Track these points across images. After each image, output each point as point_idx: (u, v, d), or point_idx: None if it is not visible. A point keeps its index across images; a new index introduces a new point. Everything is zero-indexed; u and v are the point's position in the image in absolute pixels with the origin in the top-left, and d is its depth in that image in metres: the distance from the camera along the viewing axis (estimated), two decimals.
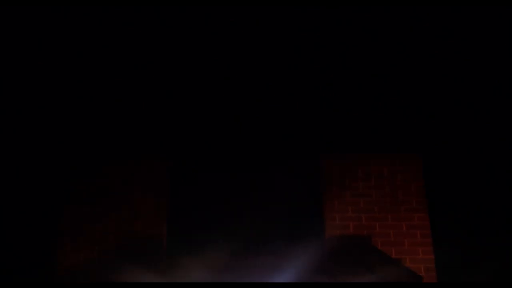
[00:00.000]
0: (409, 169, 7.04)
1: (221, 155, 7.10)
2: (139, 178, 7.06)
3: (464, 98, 7.15)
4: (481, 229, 7.38)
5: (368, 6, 6.47)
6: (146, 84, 6.90)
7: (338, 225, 6.83)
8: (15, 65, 6.81)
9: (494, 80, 7.24)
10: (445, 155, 7.31)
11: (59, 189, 7.05)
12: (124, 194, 7.01)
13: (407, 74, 7.25)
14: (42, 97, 6.94)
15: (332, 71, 6.98)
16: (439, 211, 7.04)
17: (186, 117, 6.98)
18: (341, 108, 7.17)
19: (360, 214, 6.89)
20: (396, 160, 7.08)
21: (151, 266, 6.00)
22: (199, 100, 6.94)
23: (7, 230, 7.15)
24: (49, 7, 6.30)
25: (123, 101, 6.93)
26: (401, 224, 6.85)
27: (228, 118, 6.92)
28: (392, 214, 6.89)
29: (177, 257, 6.36)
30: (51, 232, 6.98)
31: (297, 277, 5.57)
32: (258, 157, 7.06)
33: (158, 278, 5.91)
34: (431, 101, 7.24)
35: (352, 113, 7.18)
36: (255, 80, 6.85)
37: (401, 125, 7.03)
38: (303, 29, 6.68)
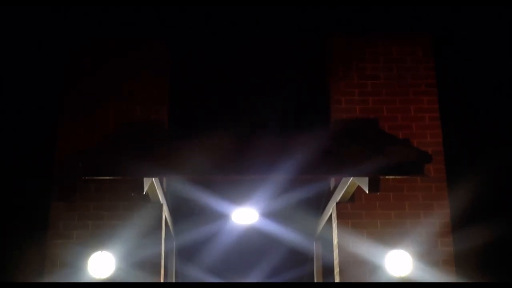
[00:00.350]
0: (418, 50, 6.76)
1: (224, 35, 6.79)
2: (139, 60, 6.79)
3: None
4: (490, 114, 7.20)
5: None
6: None
7: (344, 108, 6.64)
8: None
9: None
10: (455, 35, 7.01)
11: (57, 72, 6.81)
12: (124, 77, 6.77)
13: None
14: None
15: None
16: (448, 94, 6.83)
17: None
18: None
19: (367, 97, 6.67)
20: (406, 41, 6.78)
21: (152, 151, 5.81)
22: None
23: (6, 114, 6.97)
24: None
25: None
26: (409, 107, 6.65)
27: None
28: (400, 97, 6.68)
29: (179, 141, 6.17)
30: (50, 118, 6.80)
31: (303, 159, 5.39)
32: (263, 38, 6.76)
33: (159, 163, 5.72)
34: None
35: None
36: None
37: (410, 4, 6.68)
38: None
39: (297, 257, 8.68)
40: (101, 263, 6.24)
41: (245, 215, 7.83)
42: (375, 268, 6.24)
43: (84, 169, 5.28)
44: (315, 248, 7.91)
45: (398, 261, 6.20)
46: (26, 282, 6.27)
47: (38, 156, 6.74)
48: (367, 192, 5.42)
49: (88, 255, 6.29)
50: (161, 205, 6.46)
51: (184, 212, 7.69)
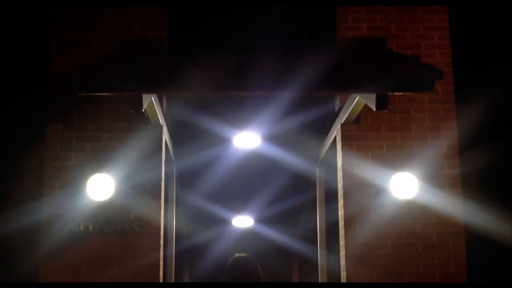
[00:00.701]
0: None
1: None
2: None
3: None
4: (501, 35, 6.96)
5: None
6: None
7: (350, 26, 6.37)
8: None
9: None
10: None
11: None
12: None
13: None
14: None
15: None
16: (459, 13, 6.57)
17: None
18: None
19: (374, 14, 6.39)
20: None
21: (151, 68, 5.60)
22: None
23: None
24: None
25: None
26: (418, 25, 6.38)
27: None
28: (408, 15, 6.41)
29: (179, 59, 5.96)
30: (45, 33, 6.54)
31: (308, 76, 5.18)
32: None
33: (158, 80, 5.49)
34: None
35: None
36: None
37: None
38: None
39: (300, 183, 8.59)
40: (100, 185, 6.12)
41: (247, 139, 7.68)
42: (380, 191, 6.13)
43: (80, 84, 5.07)
44: (318, 173, 7.78)
45: (404, 184, 6.07)
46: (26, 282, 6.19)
47: (33, 73, 6.52)
48: (374, 109, 5.22)
49: (87, 177, 6.16)
50: (161, 127, 6.29)
51: (184, 135, 7.54)
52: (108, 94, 5.27)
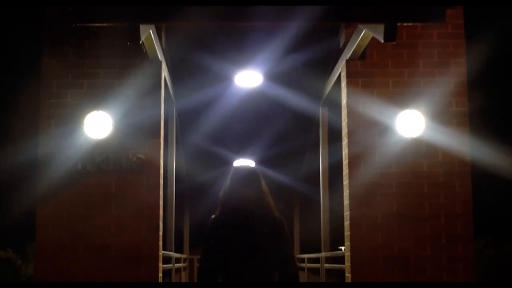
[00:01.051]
0: None
1: None
2: None
3: None
4: None
5: None
6: None
7: None
8: None
9: None
10: None
11: None
12: None
13: None
14: None
15: None
16: None
17: None
18: None
19: None
20: None
21: (148, 3, 5.32)
22: None
23: None
24: None
25: None
26: None
27: None
28: None
29: None
30: None
31: (313, 8, 4.92)
32: None
33: (156, 9, 5.22)
34: None
35: None
36: None
37: None
38: None
39: (303, 122, 8.43)
40: (98, 123, 5.94)
41: (248, 78, 7.48)
42: (385, 129, 5.96)
43: (75, 14, 4.82)
44: (321, 112, 7.60)
45: (410, 122, 5.90)
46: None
47: (26, 5, 6.28)
48: (382, 41, 4.98)
49: (84, 115, 5.98)
50: (160, 63, 6.07)
51: (184, 74, 7.33)
52: (104, 24, 5.02)
